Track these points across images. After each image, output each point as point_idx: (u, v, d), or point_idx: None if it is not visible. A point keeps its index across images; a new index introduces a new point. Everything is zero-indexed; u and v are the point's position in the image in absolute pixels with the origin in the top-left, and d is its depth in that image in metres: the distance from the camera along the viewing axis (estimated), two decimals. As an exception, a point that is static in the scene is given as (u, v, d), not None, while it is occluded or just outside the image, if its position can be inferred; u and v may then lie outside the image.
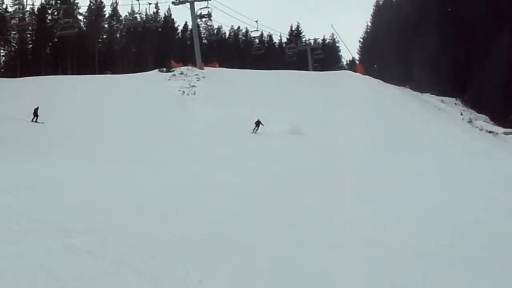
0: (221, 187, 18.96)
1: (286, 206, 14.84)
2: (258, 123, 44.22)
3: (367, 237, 11.33)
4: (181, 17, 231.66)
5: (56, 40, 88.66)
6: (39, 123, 39.37)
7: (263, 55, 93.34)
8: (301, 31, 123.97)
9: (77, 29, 68.51)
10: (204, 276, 7.71)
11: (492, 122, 67.32)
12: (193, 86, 58.09)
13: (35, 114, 39.66)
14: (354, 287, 8.00)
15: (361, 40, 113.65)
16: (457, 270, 9.22)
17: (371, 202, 15.94)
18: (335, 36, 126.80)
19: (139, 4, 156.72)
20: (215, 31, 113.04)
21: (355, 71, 73.31)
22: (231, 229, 11.20)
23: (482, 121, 66.67)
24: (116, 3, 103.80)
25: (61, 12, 71.08)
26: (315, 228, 12.00)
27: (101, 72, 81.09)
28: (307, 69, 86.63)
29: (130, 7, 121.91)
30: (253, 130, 43.95)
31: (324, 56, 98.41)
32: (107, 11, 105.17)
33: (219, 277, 7.83)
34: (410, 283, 8.21)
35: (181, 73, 62.28)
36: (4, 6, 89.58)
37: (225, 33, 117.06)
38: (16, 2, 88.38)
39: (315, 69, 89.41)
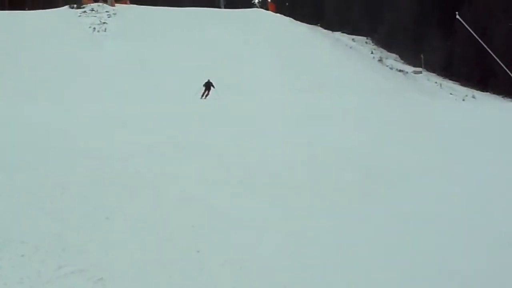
0: (130, 123, 18.30)
1: (196, 143, 14.19)
2: (208, 86, 34.79)
3: (275, 176, 10.75)
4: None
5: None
6: None
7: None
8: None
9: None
10: (112, 213, 7.41)
11: (402, 61, 68.17)
12: (104, 23, 56.32)
13: None
14: (257, 222, 7.47)
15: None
16: (366, 205, 8.75)
17: (279, 143, 15.28)
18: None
19: None
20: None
21: (267, 9, 72.36)
22: (139, 167, 10.65)
23: (393, 60, 67.40)
24: None
25: None
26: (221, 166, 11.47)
27: (11, 8, 77.12)
28: (219, 7, 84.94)
29: None
30: (203, 95, 34.52)
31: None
32: None
33: (126, 213, 7.55)
34: (321, 220, 7.61)
35: (92, 10, 60.23)
36: None
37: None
38: None
39: (227, 7, 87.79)
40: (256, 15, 63.75)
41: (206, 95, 34.28)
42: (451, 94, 55.18)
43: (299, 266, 5.97)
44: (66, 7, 63.33)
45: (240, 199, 8.90)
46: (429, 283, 5.64)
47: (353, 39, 71.66)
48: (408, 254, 6.40)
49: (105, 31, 54.32)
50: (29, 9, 68.32)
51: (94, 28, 54.74)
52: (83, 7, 61.69)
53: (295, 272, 5.83)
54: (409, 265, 6.07)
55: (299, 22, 64.48)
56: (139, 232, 6.78)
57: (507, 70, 34.28)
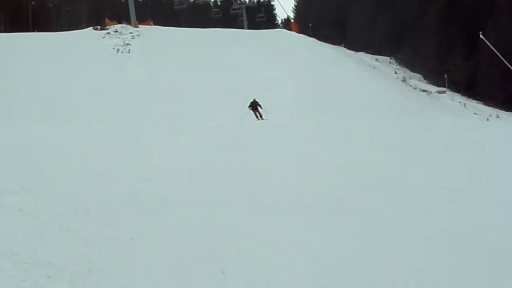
0: (157, 147, 18.37)
1: (219, 166, 14.17)
2: (255, 105, 33.70)
3: (299, 198, 10.71)
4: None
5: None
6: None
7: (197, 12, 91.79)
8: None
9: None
10: (137, 233, 7.42)
11: (426, 81, 67.98)
12: (128, 44, 56.87)
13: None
14: (281, 245, 7.42)
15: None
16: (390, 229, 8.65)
17: (303, 163, 15.28)
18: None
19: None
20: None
21: (290, 29, 72.57)
22: (165, 189, 10.61)
23: (416, 79, 67.22)
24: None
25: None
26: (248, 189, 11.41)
27: (35, 30, 78.25)
28: (242, 28, 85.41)
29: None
30: (257, 116, 33.93)
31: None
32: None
33: (152, 234, 7.54)
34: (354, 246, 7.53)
35: (116, 31, 60.93)
36: None
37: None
38: None
39: (250, 28, 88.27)
40: (280, 36, 63.97)
41: (260, 116, 34.19)
42: (475, 113, 54.86)
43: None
44: (90, 28, 64.36)
45: (266, 220, 8.85)
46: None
47: (376, 59, 71.72)
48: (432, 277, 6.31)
49: (129, 52, 54.81)
50: (54, 31, 69.31)
51: (118, 50, 55.21)
52: (107, 29, 62.48)
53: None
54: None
55: (322, 43, 64.55)
56: (165, 253, 6.73)
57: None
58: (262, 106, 33.50)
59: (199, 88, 43.78)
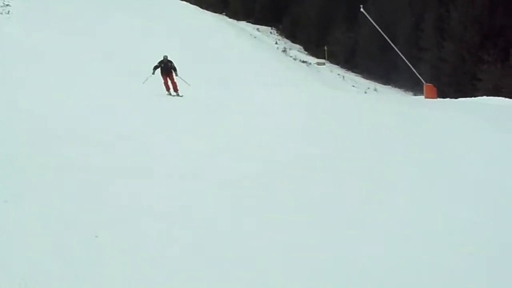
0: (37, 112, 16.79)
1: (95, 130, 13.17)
2: (167, 69, 21.96)
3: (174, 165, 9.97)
4: None
5: None
6: None
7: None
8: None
9: None
10: (12, 197, 7.49)
11: (306, 52, 68.40)
12: (7, 5, 53.49)
13: None
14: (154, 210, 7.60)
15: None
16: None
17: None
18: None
19: None
20: None
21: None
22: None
23: (296, 50, 67.52)
24: None
25: None
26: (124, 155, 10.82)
27: None
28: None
29: None
30: (168, 88, 22.26)
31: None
32: None
33: (26, 198, 7.59)
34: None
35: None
36: None
37: None
38: None
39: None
40: (162, 2, 62.42)
41: (174, 87, 22.53)
42: (353, 86, 55.69)
43: None
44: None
45: (139, 187, 8.11)
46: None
47: (258, 29, 71.40)
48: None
49: (8, 13, 51.69)
50: None
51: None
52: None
53: None
54: None
55: (204, 11, 63.63)
56: (39, 217, 6.38)
57: (409, 64, 34.58)
58: (177, 72, 22.54)
59: (76, 51, 41.73)
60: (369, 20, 36.28)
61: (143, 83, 23.11)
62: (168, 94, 22.37)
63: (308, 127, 16.34)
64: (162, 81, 22.48)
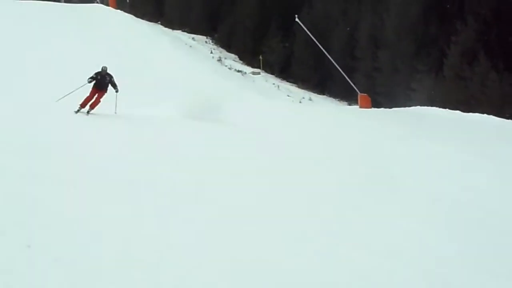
0: None
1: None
2: (104, 83, 19.01)
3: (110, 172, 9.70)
4: None
5: None
6: None
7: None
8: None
9: None
10: None
11: (241, 62, 68.34)
12: None
13: None
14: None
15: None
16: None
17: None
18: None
19: None
20: None
21: (107, 4, 69.94)
22: None
23: (232, 60, 67.38)
24: None
25: None
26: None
27: None
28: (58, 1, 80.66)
29: None
30: (85, 104, 18.98)
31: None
32: None
33: None
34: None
35: None
36: None
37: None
38: None
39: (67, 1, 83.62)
40: (96, 11, 61.46)
41: (92, 105, 19.09)
42: (288, 95, 55.84)
43: None
44: None
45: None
46: None
47: (193, 38, 71.06)
48: None
49: None
50: None
51: None
52: None
53: None
54: None
55: (139, 19, 62.99)
56: None
57: (343, 73, 34.81)
58: (118, 89, 19.40)
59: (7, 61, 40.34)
60: (304, 29, 36.34)
61: (56, 101, 19.84)
62: (76, 111, 18.72)
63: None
64: (87, 95, 18.84)
